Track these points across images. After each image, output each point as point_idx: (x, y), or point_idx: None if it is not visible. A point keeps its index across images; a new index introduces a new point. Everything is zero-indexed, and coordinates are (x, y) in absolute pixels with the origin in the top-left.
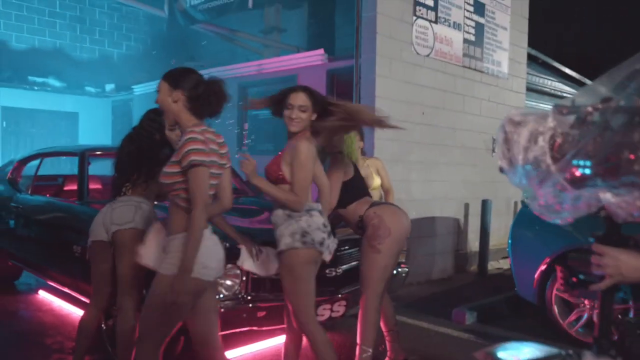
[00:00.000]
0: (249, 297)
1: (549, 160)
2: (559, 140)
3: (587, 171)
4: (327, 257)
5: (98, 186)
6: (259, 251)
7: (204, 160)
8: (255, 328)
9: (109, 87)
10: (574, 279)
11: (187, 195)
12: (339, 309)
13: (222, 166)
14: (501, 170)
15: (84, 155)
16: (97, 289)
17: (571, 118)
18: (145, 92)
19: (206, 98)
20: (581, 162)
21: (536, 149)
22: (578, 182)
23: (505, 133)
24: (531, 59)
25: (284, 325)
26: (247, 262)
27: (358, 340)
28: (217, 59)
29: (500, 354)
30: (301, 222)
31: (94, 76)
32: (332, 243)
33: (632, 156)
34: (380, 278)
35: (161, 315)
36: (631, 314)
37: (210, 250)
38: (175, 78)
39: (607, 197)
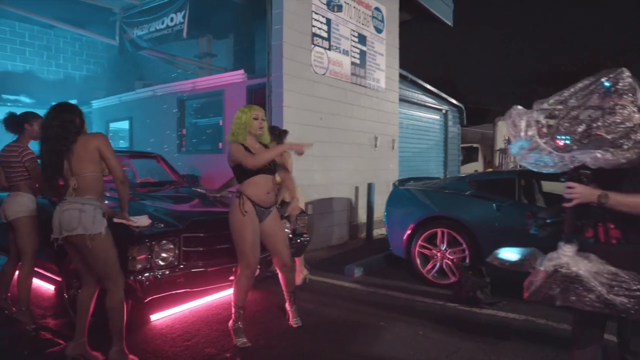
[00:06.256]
0: (182, 266)
1: (537, 138)
2: (541, 126)
3: (568, 142)
4: None
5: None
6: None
7: None
8: (188, 289)
9: (72, 102)
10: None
11: None
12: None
13: None
14: (507, 142)
15: None
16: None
17: (545, 113)
18: (101, 105)
19: None
20: (563, 137)
21: (530, 131)
22: (562, 149)
23: (512, 120)
24: (402, 77)
25: (212, 286)
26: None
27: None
28: (161, 78)
29: (501, 255)
30: None
31: (59, 93)
32: None
33: (598, 133)
34: None
35: None
36: (467, 260)
37: None
38: None
39: (586, 156)
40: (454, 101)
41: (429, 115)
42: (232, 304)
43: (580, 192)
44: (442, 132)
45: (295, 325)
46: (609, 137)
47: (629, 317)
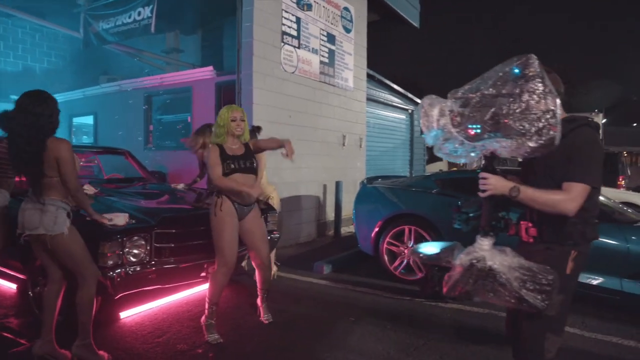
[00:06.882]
0: (153, 262)
1: (450, 127)
2: (454, 115)
3: (479, 131)
4: None
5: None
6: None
7: None
8: (160, 286)
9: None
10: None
11: None
12: None
13: None
14: (421, 133)
15: None
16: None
17: (459, 102)
18: (64, 99)
19: None
20: (474, 126)
21: (442, 120)
22: (473, 138)
23: (425, 109)
24: (369, 77)
25: (183, 282)
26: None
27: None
28: (126, 73)
29: (420, 249)
30: None
31: (17, 86)
32: None
33: (505, 121)
34: None
35: None
36: None
37: None
38: None
39: (495, 144)
40: (419, 101)
41: (396, 115)
42: (207, 300)
43: (493, 184)
44: (408, 132)
45: (266, 321)
46: (515, 125)
47: (539, 312)
